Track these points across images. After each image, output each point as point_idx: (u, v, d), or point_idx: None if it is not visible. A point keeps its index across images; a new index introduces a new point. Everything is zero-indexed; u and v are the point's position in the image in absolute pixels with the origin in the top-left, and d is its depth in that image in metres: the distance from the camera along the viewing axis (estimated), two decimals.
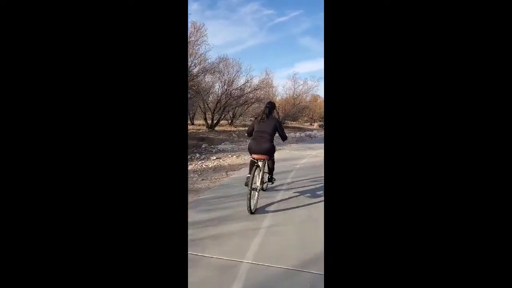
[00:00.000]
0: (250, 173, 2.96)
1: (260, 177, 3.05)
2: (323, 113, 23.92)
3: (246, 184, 2.93)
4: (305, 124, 23.55)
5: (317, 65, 49.29)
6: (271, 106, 3.27)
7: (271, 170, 3.34)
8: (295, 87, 20.39)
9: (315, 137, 14.69)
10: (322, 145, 8.29)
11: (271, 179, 3.42)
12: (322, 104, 26.25)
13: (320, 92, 23.77)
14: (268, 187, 3.74)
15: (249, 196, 2.82)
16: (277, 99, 19.56)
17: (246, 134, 3.91)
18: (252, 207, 2.86)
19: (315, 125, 21.17)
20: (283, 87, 31.34)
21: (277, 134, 3.14)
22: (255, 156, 3.06)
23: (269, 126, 3.09)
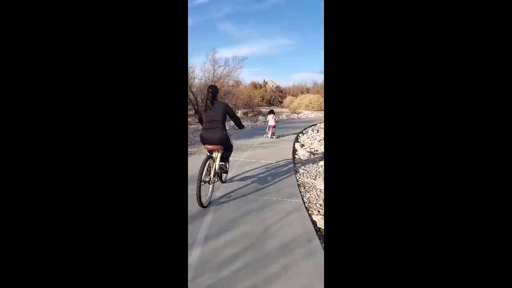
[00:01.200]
0: (202, 166, 2.72)
1: (213, 169, 2.85)
2: (247, 100, 23.74)
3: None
4: None
5: (238, 52, 49.46)
6: (213, 90, 2.93)
7: (224, 160, 3.08)
8: (215, 68, 19.18)
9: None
10: (256, 139, 7.49)
11: (225, 170, 3.19)
12: (246, 90, 26.32)
13: (244, 76, 23.22)
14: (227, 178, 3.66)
15: (198, 189, 2.60)
16: (195, 82, 18.21)
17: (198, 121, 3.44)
18: (204, 201, 2.73)
19: (239, 112, 20.63)
20: (201, 69, 29.41)
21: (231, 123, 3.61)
22: (208, 147, 2.89)
23: (218, 112, 2.84)
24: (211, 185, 2.89)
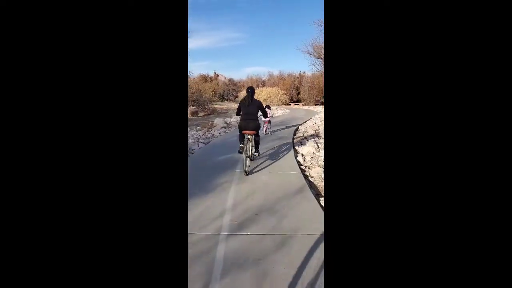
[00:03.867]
0: (244, 145, 3.91)
1: (250, 148, 4.02)
2: (196, 95, 19.04)
3: (240, 152, 4.07)
4: None
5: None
6: (252, 90, 4.11)
7: (257, 143, 4.23)
8: None
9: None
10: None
11: (257, 150, 4.29)
12: (194, 84, 21.89)
13: (191, 70, 18.58)
14: (254, 158, 4.50)
15: (244, 162, 3.89)
16: None
17: (236, 113, 4.42)
18: (247, 170, 3.88)
19: (189, 111, 15.97)
20: None
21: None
22: (246, 132, 3.94)
23: (254, 108, 4.01)
24: (248, 159, 3.92)
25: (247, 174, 3.83)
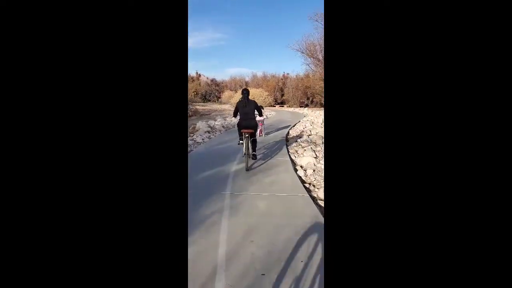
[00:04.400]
0: (242, 143, 4.41)
1: (250, 146, 4.40)
2: None
3: (240, 144, 4.58)
4: None
5: None
6: (247, 92, 4.53)
7: (254, 141, 4.58)
8: None
9: None
10: None
11: (254, 150, 4.57)
12: None
13: None
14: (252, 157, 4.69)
15: (246, 159, 4.31)
16: None
17: (232, 115, 5.00)
18: (247, 167, 4.28)
19: None
20: None
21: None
22: (245, 130, 4.35)
23: (251, 108, 4.45)
24: (246, 156, 4.34)
25: (247, 170, 4.24)
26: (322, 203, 3.08)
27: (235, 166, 4.49)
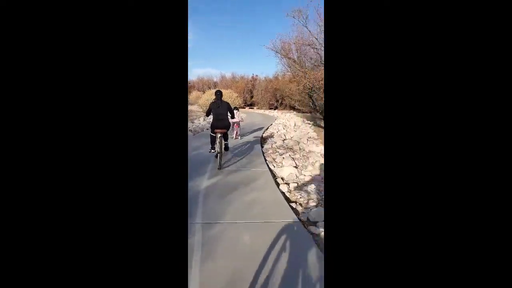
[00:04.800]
0: (215, 143, 4.65)
1: (222, 144, 4.58)
2: None
3: (212, 150, 4.84)
4: None
5: None
6: (220, 94, 4.69)
7: (226, 139, 4.95)
8: None
9: None
10: None
11: (226, 146, 5.06)
12: None
13: None
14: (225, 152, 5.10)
15: (219, 158, 4.45)
16: None
17: (205, 115, 5.52)
18: (219, 165, 4.44)
19: None
20: None
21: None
22: (218, 130, 4.52)
23: (224, 109, 4.61)
24: (219, 155, 4.47)
25: (220, 168, 4.39)
26: (313, 229, 2.62)
27: (206, 181, 3.85)
